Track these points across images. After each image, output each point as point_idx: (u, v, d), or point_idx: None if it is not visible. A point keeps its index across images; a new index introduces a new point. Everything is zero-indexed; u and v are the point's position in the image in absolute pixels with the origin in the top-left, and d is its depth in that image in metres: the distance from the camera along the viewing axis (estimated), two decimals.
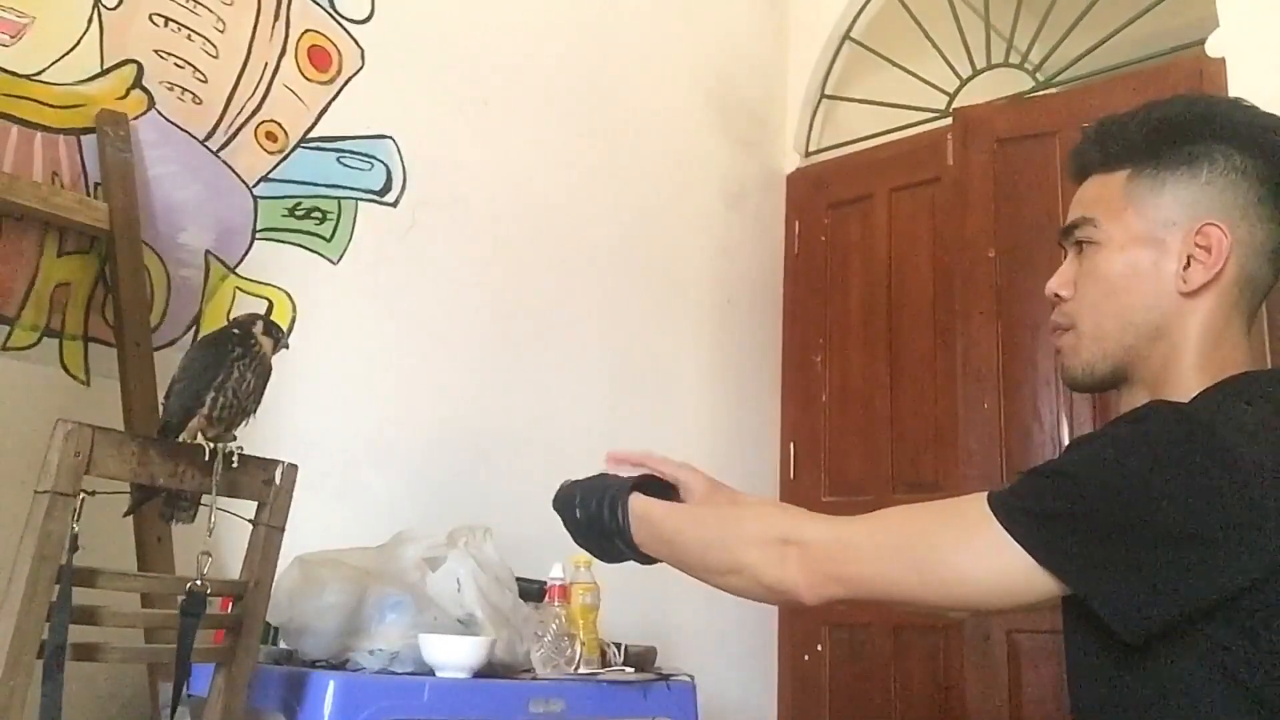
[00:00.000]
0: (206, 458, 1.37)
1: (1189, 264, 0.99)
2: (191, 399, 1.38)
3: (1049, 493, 0.91)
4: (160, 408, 1.51)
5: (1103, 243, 1.03)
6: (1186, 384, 0.98)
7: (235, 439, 1.42)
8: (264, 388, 1.46)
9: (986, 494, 0.94)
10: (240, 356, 1.40)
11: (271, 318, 1.51)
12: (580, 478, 1.27)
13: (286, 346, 1.48)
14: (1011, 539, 0.90)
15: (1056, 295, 1.07)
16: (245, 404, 1.42)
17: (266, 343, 1.44)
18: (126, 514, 1.42)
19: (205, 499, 1.39)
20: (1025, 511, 0.91)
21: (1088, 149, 1.08)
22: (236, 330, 1.45)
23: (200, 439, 1.39)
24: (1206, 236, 0.99)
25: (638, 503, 1.17)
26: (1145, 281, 1.00)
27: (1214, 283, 0.99)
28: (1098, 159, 1.06)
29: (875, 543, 1.00)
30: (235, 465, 1.40)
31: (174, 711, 1.35)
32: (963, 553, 0.94)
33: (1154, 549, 0.85)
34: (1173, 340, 1.00)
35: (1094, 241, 1.03)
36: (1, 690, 1.18)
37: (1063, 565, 0.89)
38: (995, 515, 0.92)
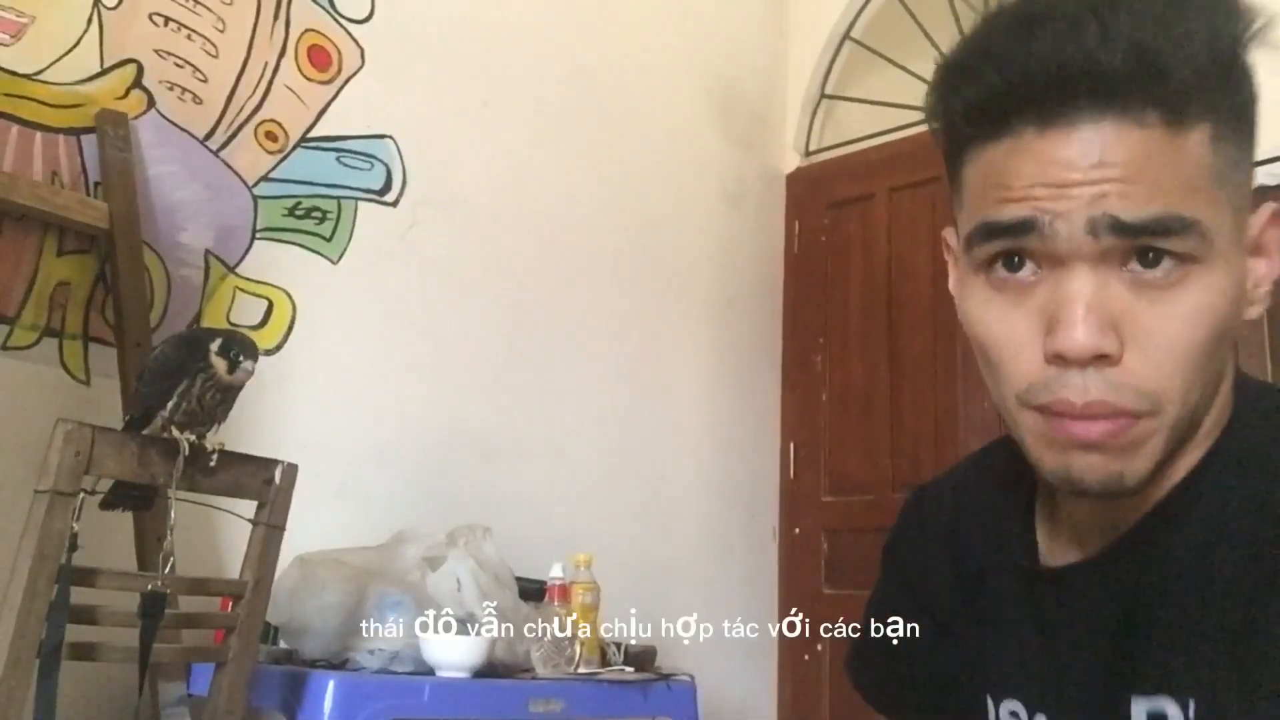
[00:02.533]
0: (187, 452, 1.35)
1: (1258, 280, 0.65)
2: (155, 399, 1.36)
3: None
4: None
5: (1208, 262, 0.60)
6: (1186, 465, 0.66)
7: (204, 437, 1.40)
8: (231, 401, 1.42)
9: None
10: (202, 369, 1.37)
11: (241, 338, 1.41)
12: None
13: (249, 373, 1.39)
14: None
15: (1102, 355, 0.59)
16: (213, 412, 1.39)
17: (220, 364, 1.37)
18: (103, 506, 1.40)
19: (168, 493, 1.36)
20: None
21: (1125, 65, 0.57)
22: (198, 342, 1.40)
23: (173, 434, 1.37)
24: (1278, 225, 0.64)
25: None
26: (1233, 322, 0.63)
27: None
28: (1152, 93, 0.57)
29: None
30: (214, 464, 1.39)
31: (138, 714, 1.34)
32: None
33: None
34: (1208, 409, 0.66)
35: (1196, 259, 0.59)
36: (1, 689, 1.18)
37: None
38: None
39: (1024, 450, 0.66)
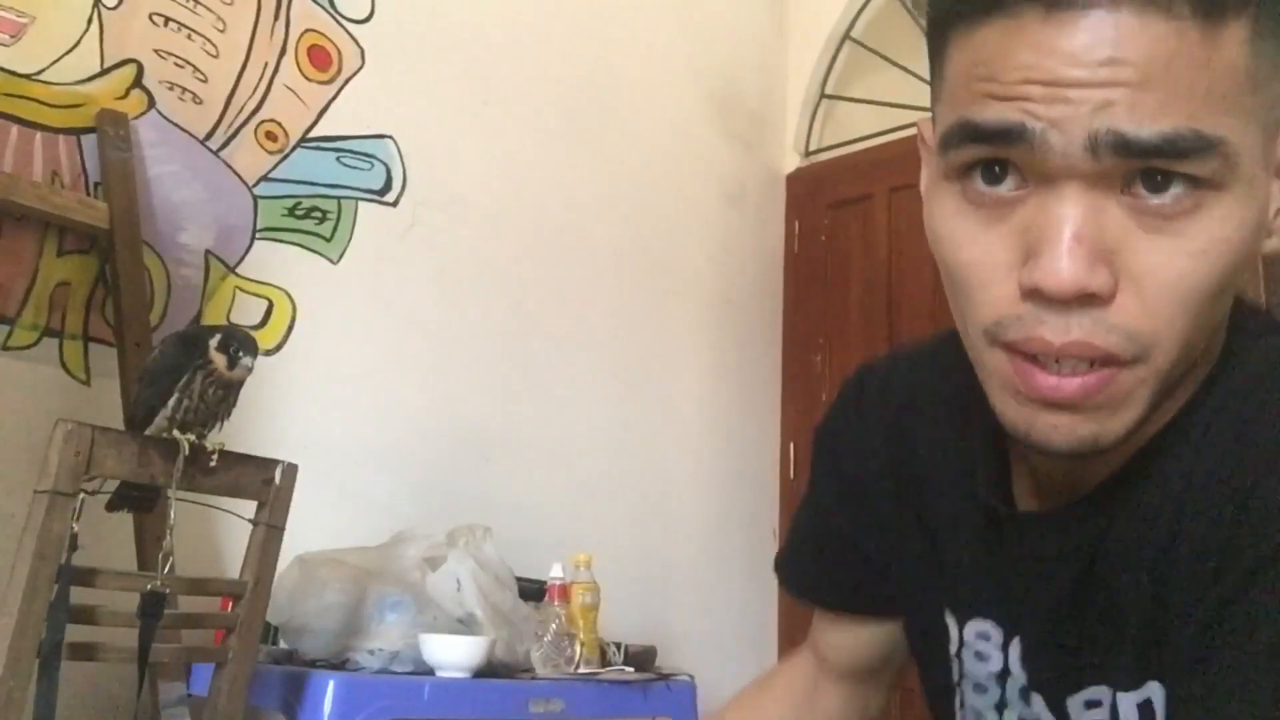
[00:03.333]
0: (187, 452, 1.35)
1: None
2: (157, 398, 1.36)
3: None
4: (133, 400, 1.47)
5: (1228, 188, 0.51)
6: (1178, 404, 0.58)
7: (205, 437, 1.40)
8: (233, 398, 1.42)
9: None
10: (202, 365, 1.37)
11: (239, 333, 1.41)
12: None
13: (249, 369, 1.39)
14: None
15: (1089, 293, 0.51)
16: (215, 409, 1.39)
17: (220, 360, 1.37)
18: (108, 508, 1.41)
19: (168, 493, 1.36)
20: None
21: None
22: (198, 340, 1.40)
23: (174, 435, 1.36)
24: None
25: None
26: (1249, 258, 0.54)
27: None
28: None
29: None
30: (214, 464, 1.39)
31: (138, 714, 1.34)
32: None
33: None
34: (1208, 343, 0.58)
35: (1214, 185, 0.50)
36: (1, 689, 1.18)
37: None
38: None
39: (985, 392, 0.57)
